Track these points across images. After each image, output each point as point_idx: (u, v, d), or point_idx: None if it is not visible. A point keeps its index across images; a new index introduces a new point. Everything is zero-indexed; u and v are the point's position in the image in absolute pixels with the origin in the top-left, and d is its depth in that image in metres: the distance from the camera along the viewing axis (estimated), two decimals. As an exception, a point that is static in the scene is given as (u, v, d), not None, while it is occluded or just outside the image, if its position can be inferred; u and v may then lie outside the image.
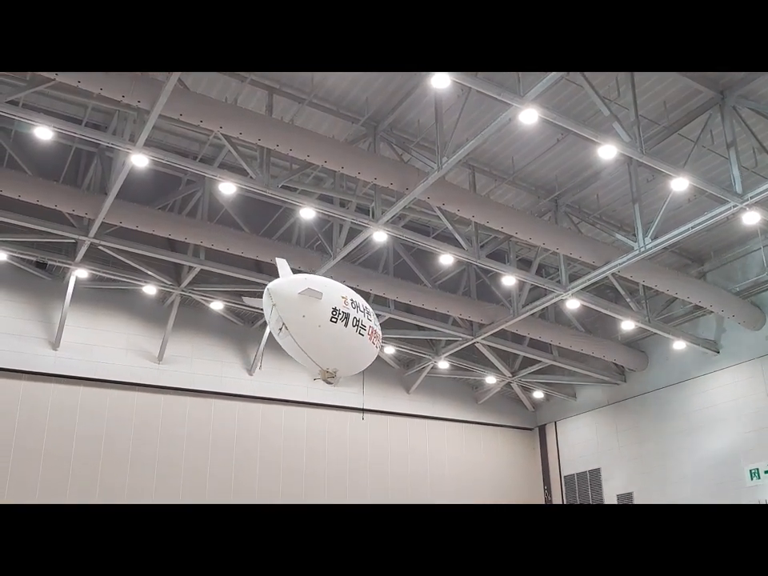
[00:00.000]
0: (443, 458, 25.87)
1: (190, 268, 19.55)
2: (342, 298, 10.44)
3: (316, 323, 10.06)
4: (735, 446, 20.81)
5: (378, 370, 23.52)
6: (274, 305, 10.23)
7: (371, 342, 10.94)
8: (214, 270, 19.26)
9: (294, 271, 11.34)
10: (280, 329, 10.24)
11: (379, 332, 11.42)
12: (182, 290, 20.28)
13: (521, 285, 20.60)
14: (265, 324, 22.47)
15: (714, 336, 22.07)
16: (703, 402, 22.16)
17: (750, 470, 20.26)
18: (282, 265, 10.89)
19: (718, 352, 21.85)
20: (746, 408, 20.81)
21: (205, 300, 21.24)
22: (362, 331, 10.48)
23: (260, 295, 22.40)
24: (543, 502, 26.91)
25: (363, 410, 19.86)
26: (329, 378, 10.73)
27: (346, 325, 10.20)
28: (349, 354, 10.90)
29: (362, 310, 10.63)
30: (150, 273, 19.58)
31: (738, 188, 15.08)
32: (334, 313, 10.11)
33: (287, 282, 10.52)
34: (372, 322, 10.94)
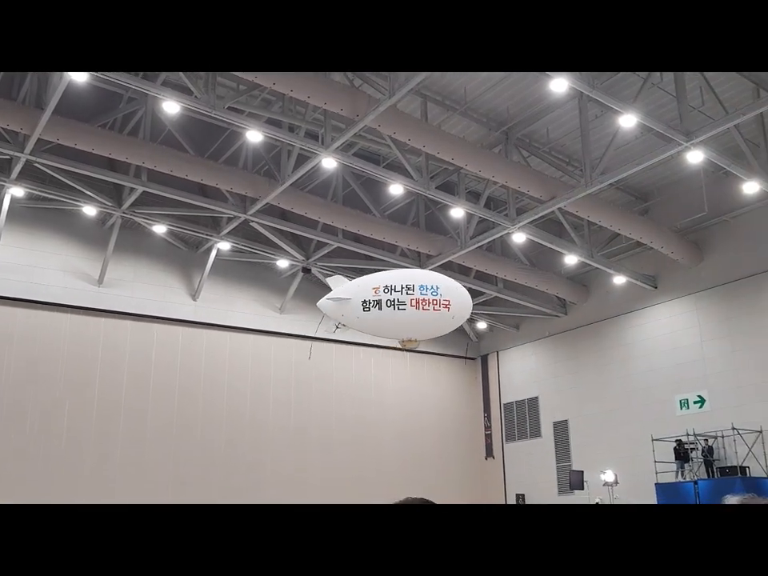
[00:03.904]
0: (387, 385, 26.28)
1: (132, 190, 18.97)
2: (374, 289, 12.76)
3: (354, 316, 12.98)
4: (668, 378, 21.64)
5: (324, 297, 23.46)
6: (324, 315, 13.73)
7: (422, 310, 12.76)
8: (156, 192, 18.73)
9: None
10: (336, 327, 13.71)
11: (436, 298, 12.96)
12: (123, 212, 19.73)
13: (469, 217, 20.64)
14: (209, 249, 22.13)
15: (653, 272, 22.63)
16: (640, 335, 22.90)
17: (680, 400, 21.17)
18: (336, 281, 13.57)
19: (656, 287, 22.47)
20: (680, 342, 21.58)
21: (147, 223, 20.73)
22: (402, 306, 12.61)
23: (204, 222, 22.06)
24: (483, 429, 27.73)
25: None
26: (403, 345, 13.65)
27: (380, 308, 12.60)
28: (402, 326, 13.16)
29: (397, 290, 12.67)
30: (89, 193, 18.96)
31: (685, 126, 15.23)
32: (365, 304, 12.71)
33: (326, 297, 13.30)
34: (415, 295, 12.71)
